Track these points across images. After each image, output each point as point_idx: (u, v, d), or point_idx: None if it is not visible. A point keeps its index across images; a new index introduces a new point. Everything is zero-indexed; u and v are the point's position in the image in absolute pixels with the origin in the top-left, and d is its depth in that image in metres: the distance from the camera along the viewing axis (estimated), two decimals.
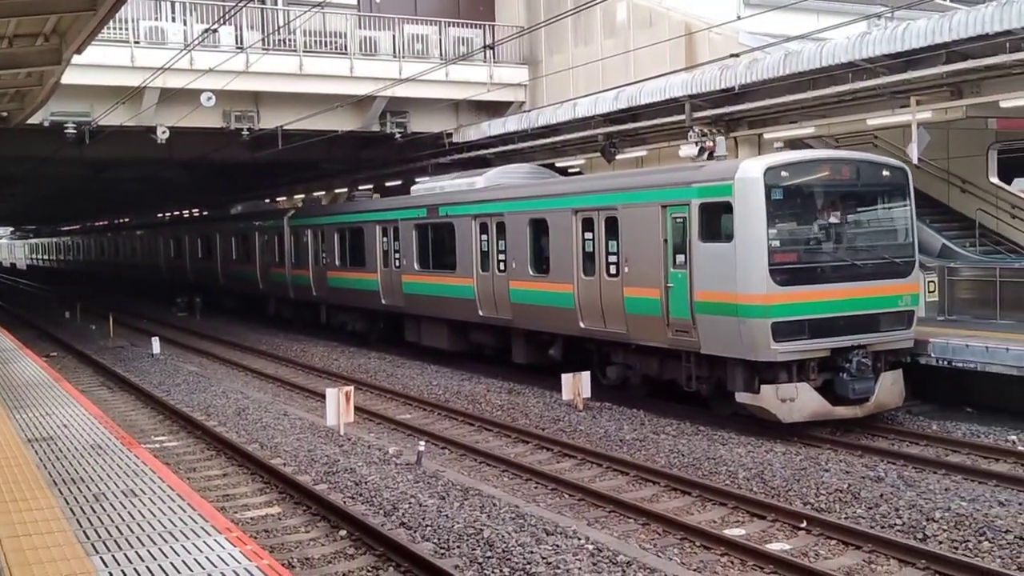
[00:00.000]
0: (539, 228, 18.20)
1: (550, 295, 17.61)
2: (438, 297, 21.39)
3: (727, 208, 13.84)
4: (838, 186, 14.60)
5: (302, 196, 38.21)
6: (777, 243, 13.71)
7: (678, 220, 14.63)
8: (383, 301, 23.92)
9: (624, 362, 16.69)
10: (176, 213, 51.57)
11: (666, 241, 14.78)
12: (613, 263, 16.04)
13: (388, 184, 30.57)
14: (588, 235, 16.67)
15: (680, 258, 14.56)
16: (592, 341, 17.18)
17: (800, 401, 13.55)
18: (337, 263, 26.50)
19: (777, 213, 13.82)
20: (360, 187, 31.51)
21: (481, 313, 19.79)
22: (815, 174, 14.60)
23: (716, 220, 14.14)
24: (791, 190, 14.02)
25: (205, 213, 45.55)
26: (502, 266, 19.12)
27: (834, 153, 16.27)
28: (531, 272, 18.25)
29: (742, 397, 13.94)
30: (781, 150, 15.63)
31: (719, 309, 13.88)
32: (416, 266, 22.33)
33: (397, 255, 23.11)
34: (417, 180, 25.37)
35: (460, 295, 20.38)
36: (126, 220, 61.56)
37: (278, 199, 39.92)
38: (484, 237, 19.71)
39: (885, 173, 14.82)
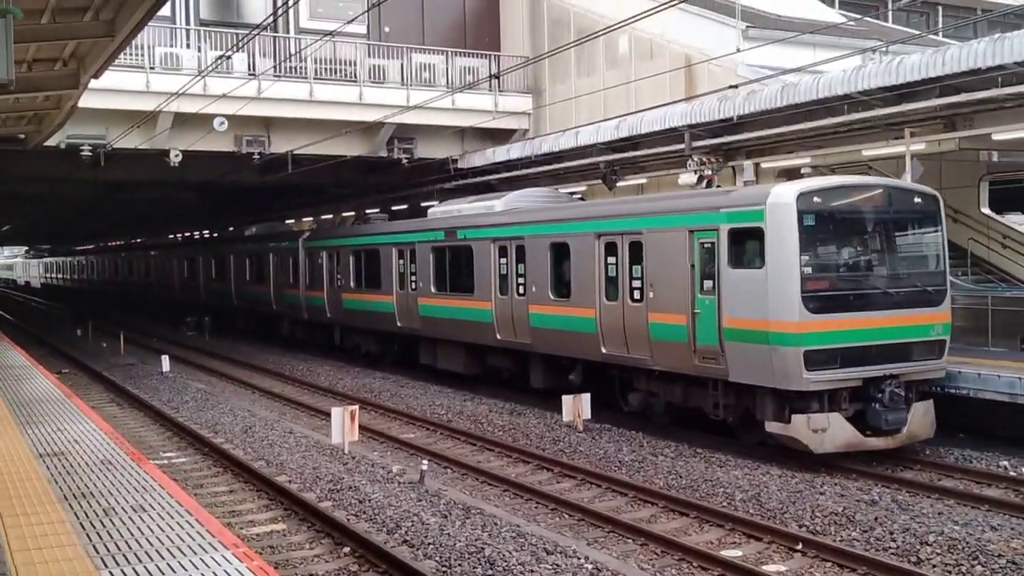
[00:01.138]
0: (560, 252, 17.59)
1: (571, 319, 16.98)
2: (455, 320, 20.79)
3: (758, 234, 13.30)
4: (870, 212, 14.09)
5: (311, 219, 38.31)
6: (809, 270, 13.15)
7: (706, 245, 14.08)
8: (398, 323, 23.30)
9: (647, 388, 16.02)
10: (190, 234, 51.14)
11: (693, 266, 14.25)
12: (637, 288, 15.43)
13: (395, 208, 30.62)
14: (611, 259, 16.07)
15: (708, 284, 14.02)
16: (614, 367, 16.49)
17: (832, 432, 12.94)
18: (352, 285, 25.87)
19: (810, 239, 13.29)
20: (367, 211, 31.57)
21: (499, 337, 19.18)
22: (847, 199, 14.02)
23: (746, 246, 13.64)
24: (823, 216, 13.47)
25: (219, 234, 45.16)
26: (521, 290, 18.50)
27: (866, 179, 15.82)
28: (551, 296, 17.61)
29: (772, 427, 13.30)
30: (809, 176, 14.83)
31: (749, 336, 13.32)
32: (433, 289, 21.68)
33: (414, 277, 22.51)
34: (433, 203, 24.97)
35: (478, 318, 19.79)
36: (139, 240, 61.06)
37: (288, 221, 39.85)
38: (503, 260, 19.12)
39: (917, 200, 14.35)
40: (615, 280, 15.94)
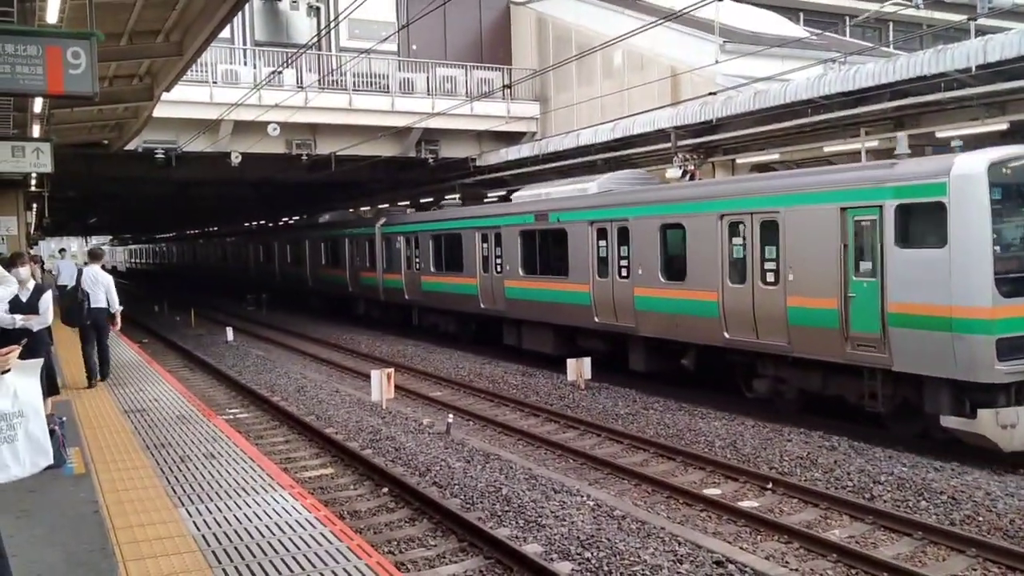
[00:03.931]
0: (672, 233, 14.92)
1: (686, 303, 14.34)
2: (546, 303, 18.29)
3: (937, 209, 10.51)
4: None
5: (367, 207, 36.09)
6: (1001, 249, 10.37)
7: (863, 224, 11.40)
8: (482, 305, 20.93)
9: (775, 375, 13.31)
10: (265, 222, 48.44)
11: (846, 246, 11.58)
12: (771, 270, 12.73)
13: (422, 200, 30.56)
14: (737, 240, 13.39)
15: (866, 265, 11.38)
16: (737, 352, 13.79)
17: (1022, 427, 10.26)
18: (432, 268, 23.44)
19: (1002, 214, 10.45)
20: (399, 203, 31.53)
21: (597, 320, 16.62)
22: None
23: (922, 223, 10.85)
24: (1016, 188, 10.59)
25: (293, 221, 42.28)
26: (624, 272, 15.86)
27: None
28: (661, 279, 14.95)
29: (950, 422, 10.56)
30: (961, 149, 11.22)
31: (924, 323, 10.64)
32: (521, 272, 19.23)
33: (499, 260, 20.09)
34: (519, 188, 21.97)
35: (573, 301, 17.27)
36: (216, 228, 58.03)
37: (363, 209, 37.00)
38: (602, 243, 16.45)
39: None
40: (742, 262, 13.28)
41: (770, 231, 12.77)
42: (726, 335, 13.56)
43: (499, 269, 20.10)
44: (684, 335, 14.64)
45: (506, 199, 23.13)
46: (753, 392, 13.81)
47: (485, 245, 20.74)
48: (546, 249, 18.63)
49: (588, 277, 16.76)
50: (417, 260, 24.28)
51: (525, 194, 20.46)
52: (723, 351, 13.93)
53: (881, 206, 11.14)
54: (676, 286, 14.60)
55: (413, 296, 24.83)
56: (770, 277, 12.77)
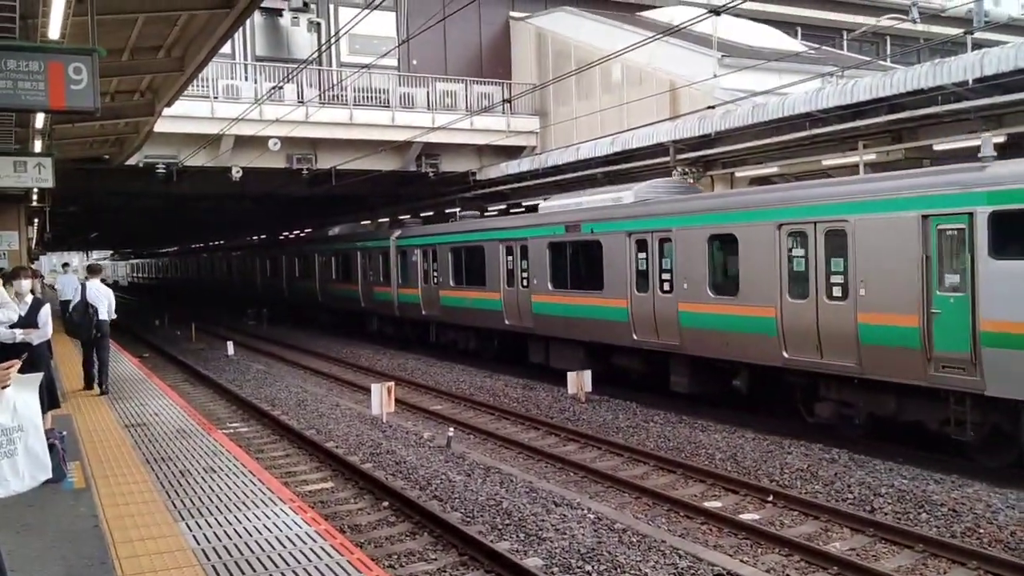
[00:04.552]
0: (722, 245, 13.78)
1: (739, 320, 13.17)
2: (577, 319, 17.07)
3: None
4: None
5: (386, 219, 34.23)
6: None
7: (949, 233, 10.31)
8: (506, 321, 19.68)
9: (839, 398, 12.13)
10: (272, 235, 46.74)
11: (928, 258, 10.45)
12: (838, 284, 11.62)
13: (423, 215, 30.63)
14: (797, 252, 12.27)
15: (952, 279, 10.31)
16: (796, 373, 12.60)
17: None
18: (451, 282, 22.22)
19: None
20: (400, 217, 31.47)
21: (635, 337, 15.42)
22: None
23: (1022, 232, 9.79)
24: None
25: (303, 234, 40.51)
26: (667, 286, 14.71)
27: None
28: (710, 294, 13.79)
29: None
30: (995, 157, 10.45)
31: None
32: (550, 286, 18.00)
33: (525, 274, 18.87)
34: (545, 198, 20.71)
35: (608, 317, 16.10)
36: (222, 242, 56.00)
37: (382, 220, 35.21)
38: (642, 255, 15.28)
39: None
40: (803, 275, 12.15)
41: (837, 242, 11.66)
42: (785, 354, 12.39)
43: (525, 283, 18.94)
44: (736, 354, 13.42)
45: (511, 209, 22.67)
46: (814, 417, 12.63)
47: (510, 258, 19.57)
48: (578, 262, 17.47)
49: (626, 292, 15.62)
50: (435, 274, 23.07)
51: (553, 204, 19.19)
52: (780, 372, 12.82)
53: (971, 213, 10.00)
54: (727, 301, 13.46)
55: (430, 312, 23.57)
56: (837, 292, 11.66)
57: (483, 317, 20.80)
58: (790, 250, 12.41)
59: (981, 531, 8.69)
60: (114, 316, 13.89)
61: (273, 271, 38.86)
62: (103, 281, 14.47)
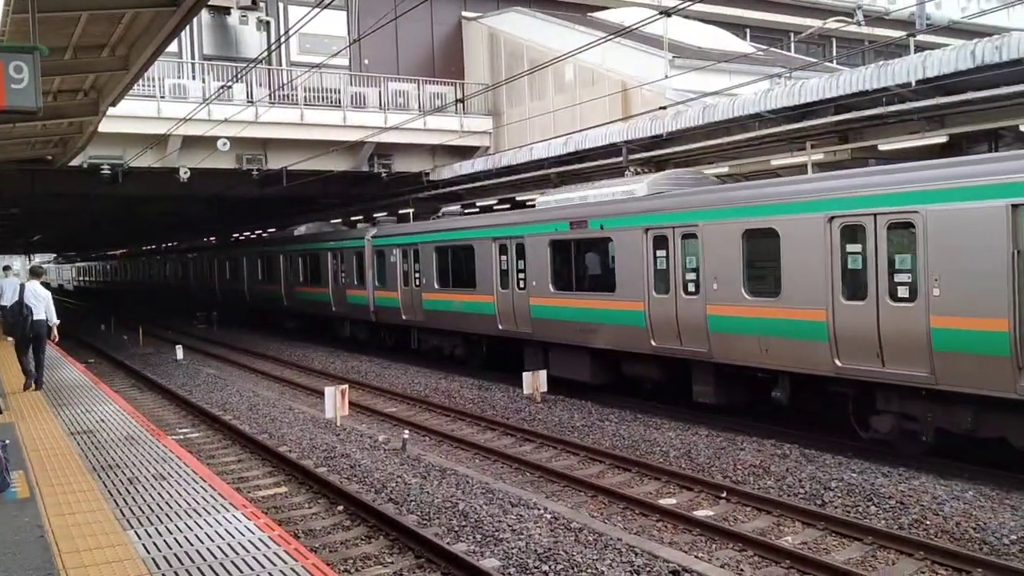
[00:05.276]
0: (761, 241, 12.36)
1: (780, 324, 11.89)
2: (584, 323, 15.73)
3: None
4: None
5: (339, 220, 33.24)
6: None
7: None
8: (500, 326, 18.25)
9: (902, 411, 10.92)
10: (231, 236, 44.44)
11: (1019, 253, 9.36)
12: (904, 284, 10.39)
13: (376, 216, 30.40)
14: (852, 248, 10.98)
15: None
16: (850, 384, 11.38)
17: None
18: (436, 284, 20.72)
19: None
20: (352, 218, 31.17)
21: (654, 343, 14.10)
22: None
23: None
24: None
25: (266, 234, 38.39)
26: (692, 287, 13.42)
27: None
28: (745, 295, 12.49)
29: None
30: None
31: None
32: (551, 288, 16.61)
33: (522, 275, 17.47)
34: (542, 192, 19.31)
35: (621, 322, 14.79)
36: (174, 244, 53.56)
37: (355, 219, 33.39)
38: (661, 253, 13.99)
39: None
40: (860, 274, 10.92)
41: (903, 236, 10.44)
42: (837, 362, 11.14)
43: (522, 285, 17.50)
44: (776, 362, 12.09)
45: (465, 210, 22.14)
46: (870, 432, 11.42)
47: (504, 258, 18.15)
48: (584, 261, 16.15)
49: (642, 293, 14.28)
50: (417, 275, 21.58)
51: (551, 199, 17.60)
52: (830, 381, 11.62)
53: None
54: (766, 303, 12.17)
55: (412, 316, 22.02)
56: (902, 292, 10.40)
57: (473, 322, 19.40)
58: (843, 246, 11.10)
59: (928, 522, 8.91)
60: (56, 320, 14.29)
61: (233, 274, 37.26)
62: (43, 284, 14.93)
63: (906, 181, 10.48)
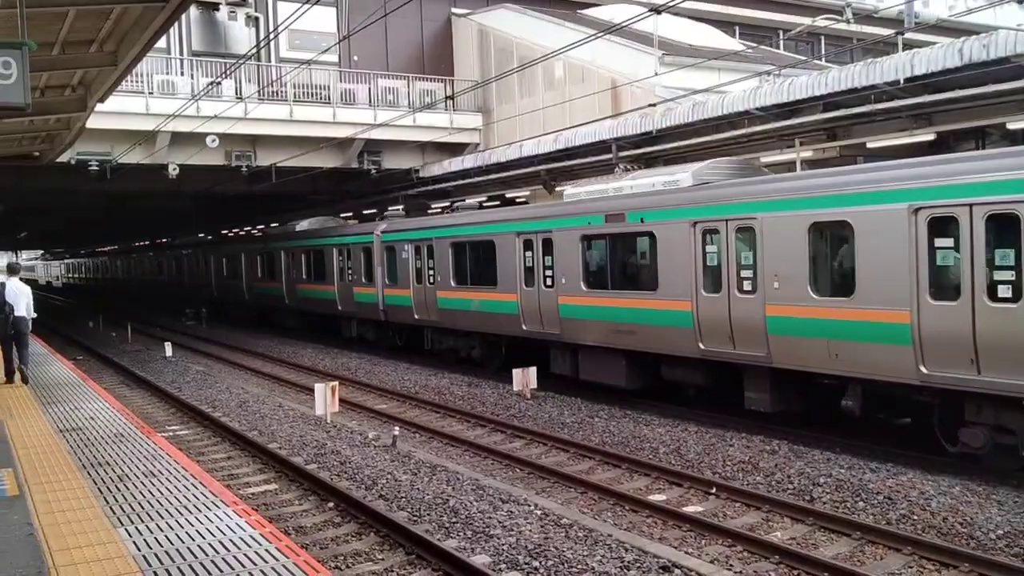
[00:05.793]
0: (831, 235, 11.45)
1: (854, 327, 10.80)
2: (621, 324, 14.59)
3: None
4: None
5: (320, 217, 31.64)
6: None
7: None
8: (524, 326, 17.11)
9: (995, 422, 9.89)
10: (229, 231, 42.49)
11: None
12: (1007, 282, 9.35)
13: (365, 212, 30.33)
14: (943, 242, 9.98)
15: None
16: (936, 392, 10.33)
17: None
18: (452, 282, 19.61)
19: None
20: (341, 215, 31.08)
21: (702, 346, 13.02)
22: None
23: None
24: None
25: (265, 230, 36.74)
26: (748, 285, 12.31)
27: None
28: (812, 295, 11.39)
29: None
30: None
31: None
32: (583, 286, 15.50)
33: (549, 272, 16.34)
34: (571, 184, 18.05)
35: (665, 323, 13.66)
36: (167, 240, 51.46)
37: (350, 214, 32.67)
38: (711, 248, 12.93)
39: None
40: (951, 271, 9.93)
41: (1004, 229, 9.38)
42: (923, 369, 10.08)
43: (550, 283, 16.39)
44: (849, 368, 11.03)
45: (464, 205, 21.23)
46: (958, 446, 10.38)
47: (529, 254, 17.01)
48: (622, 257, 15.16)
49: (690, 292, 13.18)
50: (431, 272, 20.41)
51: (582, 191, 16.56)
52: (912, 390, 10.57)
53: None
54: (837, 303, 11.13)
55: (425, 316, 20.89)
56: (1004, 291, 9.38)
57: (494, 322, 18.18)
58: (931, 240, 10.06)
59: (915, 517, 8.97)
60: (33, 315, 14.84)
61: (231, 271, 35.84)
62: (22, 280, 15.28)
63: (1007, 168, 9.32)
